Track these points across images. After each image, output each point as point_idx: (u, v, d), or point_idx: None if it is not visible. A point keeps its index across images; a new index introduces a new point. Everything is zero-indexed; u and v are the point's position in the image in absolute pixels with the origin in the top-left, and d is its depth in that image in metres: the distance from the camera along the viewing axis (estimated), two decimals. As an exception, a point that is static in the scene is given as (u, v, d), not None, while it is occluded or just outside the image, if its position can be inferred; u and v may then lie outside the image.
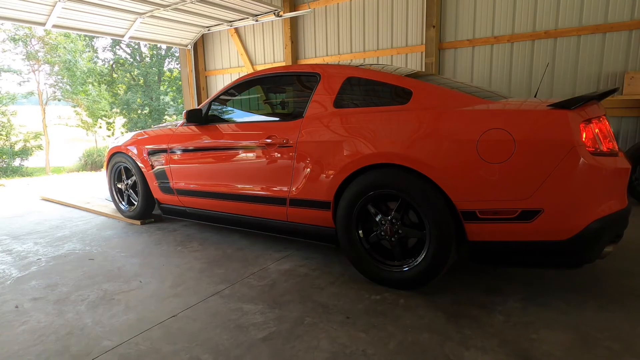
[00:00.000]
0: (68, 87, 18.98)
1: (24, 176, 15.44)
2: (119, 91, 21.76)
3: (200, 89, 8.70)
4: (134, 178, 3.85)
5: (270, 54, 7.55)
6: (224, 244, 3.23)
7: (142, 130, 3.84)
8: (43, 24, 6.27)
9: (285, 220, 2.80)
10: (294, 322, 1.98)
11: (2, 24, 16.39)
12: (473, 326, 1.90)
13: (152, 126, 5.17)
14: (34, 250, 3.21)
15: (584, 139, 1.86)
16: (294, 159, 2.63)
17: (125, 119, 21.61)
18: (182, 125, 3.41)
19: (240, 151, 2.94)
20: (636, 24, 4.40)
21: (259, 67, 7.68)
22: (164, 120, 21.65)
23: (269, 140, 2.75)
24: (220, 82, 8.53)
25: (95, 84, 19.81)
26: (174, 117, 22.29)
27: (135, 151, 3.69)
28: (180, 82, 19.74)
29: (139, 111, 21.58)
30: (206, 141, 3.16)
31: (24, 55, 17.72)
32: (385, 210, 2.32)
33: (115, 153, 3.95)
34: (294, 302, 2.20)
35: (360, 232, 2.39)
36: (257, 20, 7.08)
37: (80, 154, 20.45)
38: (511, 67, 5.22)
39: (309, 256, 2.90)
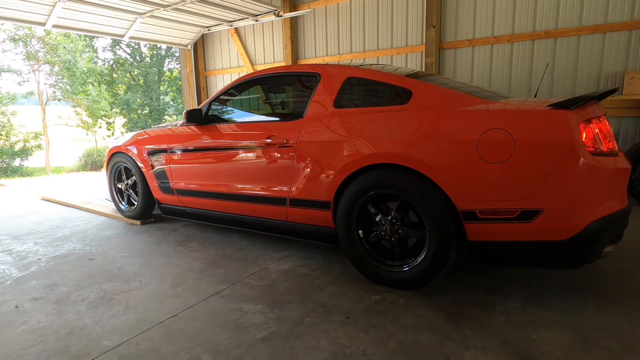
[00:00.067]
0: (68, 87, 18.96)
1: (24, 176, 15.44)
2: (119, 91, 21.76)
3: (200, 89, 8.70)
4: (134, 178, 3.85)
5: (270, 54, 7.55)
6: (224, 244, 3.23)
7: (142, 130, 3.84)
8: (43, 24, 6.27)
9: (285, 220, 2.80)
10: (294, 322, 1.98)
11: (2, 24, 16.39)
12: (473, 326, 1.90)
13: (152, 126, 5.17)
14: (34, 250, 3.21)
15: (584, 139, 1.86)
16: (294, 159, 2.63)
17: (125, 119, 21.61)
18: (182, 125, 3.41)
19: (240, 151, 2.94)
20: (636, 24, 4.40)
21: (259, 67, 7.68)
22: (164, 120, 21.64)
23: (269, 140, 2.75)
24: (220, 82, 8.53)
25: (95, 84, 19.81)
26: (174, 117, 22.28)
27: (135, 151, 3.69)
28: (180, 82, 19.73)
29: (139, 111, 21.59)
30: (206, 141, 3.16)
31: (24, 55, 17.70)
32: (385, 210, 2.32)
33: (115, 153, 3.95)
34: (294, 302, 2.20)
35: (360, 232, 2.39)
36: (257, 20, 7.08)
37: (80, 154, 20.46)
38: (511, 67, 5.22)
39: (309, 256, 2.90)
